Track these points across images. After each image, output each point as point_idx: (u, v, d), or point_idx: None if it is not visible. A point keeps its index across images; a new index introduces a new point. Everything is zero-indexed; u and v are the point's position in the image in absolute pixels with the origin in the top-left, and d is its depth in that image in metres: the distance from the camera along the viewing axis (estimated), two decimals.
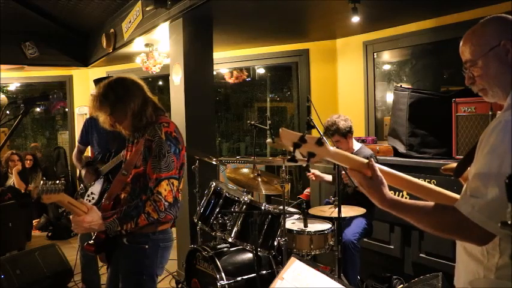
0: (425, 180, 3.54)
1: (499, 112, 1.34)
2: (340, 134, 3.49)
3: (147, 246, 2.18)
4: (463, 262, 1.38)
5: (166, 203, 2.07)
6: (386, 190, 1.37)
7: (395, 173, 1.49)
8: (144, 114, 2.18)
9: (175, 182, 2.13)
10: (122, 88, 2.19)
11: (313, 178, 3.91)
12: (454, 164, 1.53)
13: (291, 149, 1.34)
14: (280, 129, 1.37)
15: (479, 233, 1.18)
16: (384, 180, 1.38)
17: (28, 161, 6.50)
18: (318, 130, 3.06)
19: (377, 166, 1.40)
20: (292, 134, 1.35)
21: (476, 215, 1.18)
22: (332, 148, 1.38)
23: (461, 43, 1.39)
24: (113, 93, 2.16)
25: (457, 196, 1.40)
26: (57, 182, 1.84)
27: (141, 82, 2.28)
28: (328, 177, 3.92)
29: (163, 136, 2.12)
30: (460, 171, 1.46)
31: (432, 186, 1.51)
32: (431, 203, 1.32)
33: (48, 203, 1.92)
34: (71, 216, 2.01)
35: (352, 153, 3.57)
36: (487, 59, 1.32)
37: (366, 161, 1.41)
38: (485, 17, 1.38)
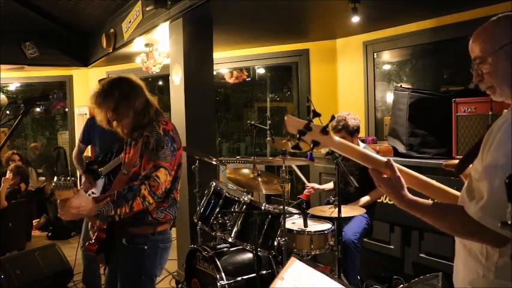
0: None
1: (505, 111, 1.33)
2: (348, 131, 3.48)
3: (146, 247, 2.17)
4: (462, 259, 1.38)
5: (162, 189, 2.05)
6: (405, 191, 1.38)
7: (410, 173, 1.49)
8: (147, 113, 2.19)
9: (169, 176, 2.13)
10: (127, 86, 2.20)
11: (312, 191, 3.91)
12: (456, 161, 1.53)
13: (293, 140, 1.34)
14: (285, 116, 1.37)
15: (492, 235, 1.16)
16: (403, 181, 1.38)
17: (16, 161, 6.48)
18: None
19: (396, 166, 1.40)
20: (298, 122, 1.35)
21: (487, 218, 1.16)
22: (337, 138, 1.38)
23: (471, 40, 1.38)
24: (117, 90, 2.16)
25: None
26: (68, 178, 1.81)
27: (143, 84, 2.29)
28: (329, 186, 3.93)
29: (161, 131, 2.14)
30: (462, 168, 1.46)
31: (441, 185, 1.51)
32: (447, 205, 1.33)
33: (59, 200, 1.88)
34: (58, 202, 1.87)
35: None
36: (497, 56, 1.31)
37: (384, 159, 1.40)
38: (486, 17, 1.38)
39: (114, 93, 2.15)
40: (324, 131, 1.33)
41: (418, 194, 1.42)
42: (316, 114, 1.41)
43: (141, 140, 2.17)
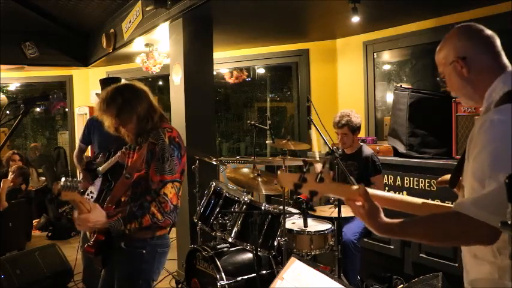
0: (425, 180, 3.55)
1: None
2: (351, 127, 3.51)
3: (144, 251, 2.18)
4: (470, 265, 1.37)
5: (171, 205, 2.09)
6: (381, 217, 1.32)
7: (387, 196, 1.48)
8: (151, 119, 2.22)
9: (178, 185, 2.16)
10: (129, 92, 2.23)
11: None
12: (448, 176, 1.53)
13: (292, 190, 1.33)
14: (278, 173, 1.37)
15: (485, 231, 1.15)
16: (379, 206, 1.34)
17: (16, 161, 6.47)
18: (317, 130, 3.06)
19: (369, 192, 1.36)
20: (291, 176, 1.35)
21: (479, 212, 1.15)
22: (333, 183, 1.38)
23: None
24: (120, 96, 2.20)
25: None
26: (75, 180, 1.87)
27: (147, 89, 2.31)
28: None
29: (166, 140, 2.15)
30: (455, 182, 1.45)
31: (427, 201, 1.49)
32: (429, 216, 1.30)
33: (65, 200, 1.96)
34: (74, 213, 2.00)
35: (356, 149, 3.59)
36: (449, 71, 1.38)
37: (357, 187, 1.37)
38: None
39: (116, 99, 2.19)
40: (320, 179, 1.33)
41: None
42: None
43: (146, 145, 2.18)
